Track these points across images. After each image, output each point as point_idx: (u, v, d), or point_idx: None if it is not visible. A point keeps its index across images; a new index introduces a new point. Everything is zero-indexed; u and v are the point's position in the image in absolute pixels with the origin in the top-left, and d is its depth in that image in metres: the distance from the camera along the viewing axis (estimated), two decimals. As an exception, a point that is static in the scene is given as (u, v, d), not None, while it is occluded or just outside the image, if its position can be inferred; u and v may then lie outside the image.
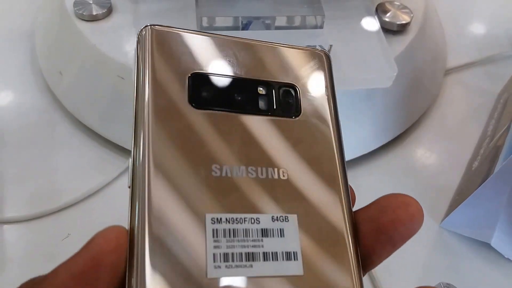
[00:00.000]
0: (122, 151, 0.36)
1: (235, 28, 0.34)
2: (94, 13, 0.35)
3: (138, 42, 0.16)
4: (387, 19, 0.36)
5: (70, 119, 0.37)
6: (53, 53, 0.38)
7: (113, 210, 0.32)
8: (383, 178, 0.36)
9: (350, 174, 0.37)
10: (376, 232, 0.16)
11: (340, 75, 0.32)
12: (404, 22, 0.36)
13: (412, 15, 0.36)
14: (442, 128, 0.39)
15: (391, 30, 0.36)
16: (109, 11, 0.36)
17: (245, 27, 0.34)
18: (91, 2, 0.35)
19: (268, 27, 0.35)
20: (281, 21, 0.34)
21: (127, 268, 0.13)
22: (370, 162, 0.36)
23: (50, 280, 0.13)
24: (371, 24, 0.35)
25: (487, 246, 0.32)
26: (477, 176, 0.33)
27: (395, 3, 0.37)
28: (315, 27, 0.34)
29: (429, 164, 0.37)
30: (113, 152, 0.36)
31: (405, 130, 0.38)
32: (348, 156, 0.35)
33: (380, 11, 0.36)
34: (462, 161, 0.37)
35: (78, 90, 0.36)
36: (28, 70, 0.40)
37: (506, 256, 0.32)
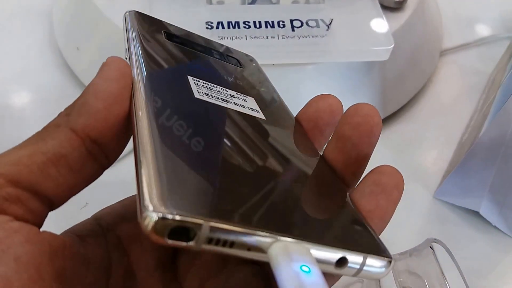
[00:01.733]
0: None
1: (242, 2, 0.36)
2: (110, -10, 0.37)
3: (125, 20, 0.22)
4: (385, -3, 0.38)
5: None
6: (70, 29, 0.41)
7: (129, 179, 0.34)
8: (381, 151, 0.38)
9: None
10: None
11: (341, 48, 0.34)
12: None
13: (409, -6, 0.39)
14: (437, 106, 0.42)
15: (389, 7, 0.38)
16: (123, -11, 0.38)
17: (252, 1, 0.37)
18: (107, -20, 0.38)
19: (273, 1, 0.37)
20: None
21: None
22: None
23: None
24: (370, 0, 0.37)
25: (476, 214, 0.34)
26: (465, 146, 0.35)
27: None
28: (317, 2, 0.36)
29: (424, 138, 0.39)
30: (127, 123, 0.38)
31: (402, 106, 0.40)
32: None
33: (378, -11, 0.38)
34: (456, 136, 0.40)
35: (95, 64, 0.38)
36: (46, 48, 0.43)
37: (493, 224, 0.34)
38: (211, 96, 0.19)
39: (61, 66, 0.41)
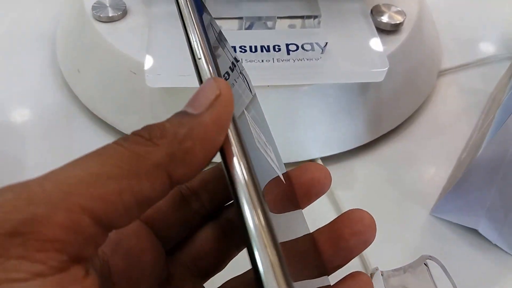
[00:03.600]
0: (134, 141, 0.38)
1: (239, 28, 0.37)
2: (111, 15, 0.38)
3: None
4: (381, 20, 0.38)
5: (86, 113, 0.40)
6: (72, 52, 0.41)
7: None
8: (378, 169, 0.38)
9: (346, 165, 0.39)
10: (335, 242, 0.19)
11: (335, 70, 0.34)
12: (397, 22, 0.38)
13: (405, 16, 0.39)
14: (435, 124, 0.42)
15: (385, 30, 0.38)
16: (124, 13, 0.39)
17: (249, 27, 0.37)
18: (108, 5, 0.39)
19: (270, 26, 0.37)
20: (282, 21, 0.37)
21: None
22: (366, 154, 0.39)
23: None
24: (365, 24, 0.37)
25: (475, 232, 0.34)
26: (464, 164, 0.35)
27: (389, 5, 0.39)
28: (313, 26, 0.37)
29: (422, 157, 0.39)
30: (125, 143, 0.39)
31: (399, 125, 0.40)
32: (344, 148, 0.38)
33: (375, 12, 0.39)
34: (455, 154, 0.39)
35: (95, 86, 0.39)
36: (49, 70, 0.44)
37: (494, 242, 0.34)
38: (261, 146, 0.18)
39: (63, 88, 0.42)
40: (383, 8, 0.39)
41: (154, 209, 0.18)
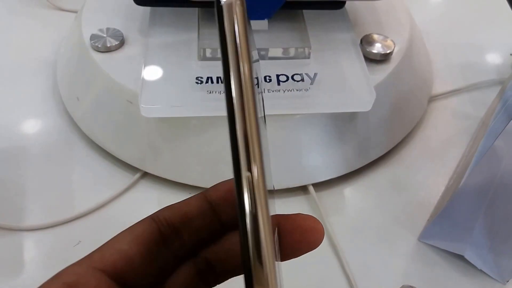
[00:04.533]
0: (130, 168, 0.40)
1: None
2: (108, 45, 0.40)
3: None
4: (370, 50, 0.39)
5: (85, 140, 0.41)
6: (71, 80, 0.43)
7: (121, 220, 0.36)
8: (368, 195, 0.39)
9: (337, 191, 0.40)
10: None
11: (323, 100, 0.35)
12: (386, 52, 0.39)
13: (394, 45, 0.40)
14: (426, 150, 0.42)
15: (374, 59, 0.40)
16: (121, 43, 0.40)
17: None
18: (105, 35, 0.40)
19: (262, 57, 0.38)
20: (273, 52, 0.38)
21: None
22: (356, 180, 0.40)
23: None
24: (354, 54, 0.38)
25: (462, 258, 0.35)
26: (451, 191, 0.36)
27: (379, 35, 0.41)
28: (303, 57, 0.38)
29: (411, 182, 0.40)
30: (121, 169, 0.40)
31: (389, 150, 0.41)
32: (334, 174, 0.39)
33: (364, 42, 0.40)
34: (444, 180, 0.40)
35: (93, 113, 0.41)
36: (50, 96, 0.45)
37: (479, 268, 0.35)
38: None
39: (63, 114, 0.43)
40: (373, 38, 0.40)
41: (124, 260, 0.17)
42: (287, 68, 0.37)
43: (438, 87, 0.48)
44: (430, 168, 0.41)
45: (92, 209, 0.37)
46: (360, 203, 0.38)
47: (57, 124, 0.43)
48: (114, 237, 0.18)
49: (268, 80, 0.36)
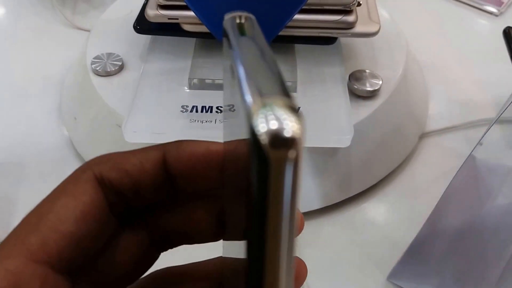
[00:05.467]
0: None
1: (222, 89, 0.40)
2: (108, 69, 0.42)
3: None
4: (358, 86, 0.40)
5: (79, 159, 0.44)
6: (72, 100, 0.45)
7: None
8: (345, 230, 0.39)
9: (313, 224, 0.40)
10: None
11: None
12: (373, 89, 0.40)
13: (381, 82, 0.40)
14: (410, 187, 0.42)
15: (361, 96, 0.40)
16: (120, 68, 0.42)
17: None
18: (106, 59, 0.42)
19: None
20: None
21: None
22: (334, 214, 0.40)
23: None
24: (340, 90, 0.39)
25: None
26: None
27: (369, 71, 0.41)
28: (290, 91, 0.39)
29: (390, 220, 0.40)
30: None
31: (373, 185, 0.41)
32: (312, 207, 0.39)
33: (352, 78, 0.41)
34: (424, 219, 0.40)
35: (87, 134, 0.43)
36: (54, 114, 0.48)
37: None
38: None
39: (63, 133, 0.46)
40: (362, 74, 0.41)
41: (72, 245, 0.14)
42: (272, 100, 0.38)
43: (433, 124, 0.48)
44: (412, 206, 0.41)
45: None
46: (336, 238, 0.39)
47: (55, 141, 0.45)
48: (53, 210, 0.15)
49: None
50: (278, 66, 0.12)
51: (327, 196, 0.39)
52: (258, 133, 0.10)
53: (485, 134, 0.42)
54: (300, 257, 0.36)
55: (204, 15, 0.36)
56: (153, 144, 0.17)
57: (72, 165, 0.42)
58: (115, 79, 0.42)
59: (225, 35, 0.14)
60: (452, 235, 0.34)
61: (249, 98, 0.11)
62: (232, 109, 0.14)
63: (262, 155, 0.10)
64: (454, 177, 0.37)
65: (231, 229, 0.16)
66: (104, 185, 0.16)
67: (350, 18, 0.39)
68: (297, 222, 0.11)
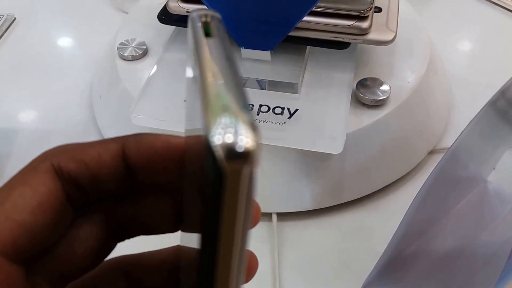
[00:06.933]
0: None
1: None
2: (131, 54, 0.45)
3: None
4: (363, 94, 0.40)
5: (100, 135, 0.47)
6: (100, 79, 0.49)
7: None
8: (329, 235, 0.39)
9: (299, 225, 0.41)
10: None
11: (295, 136, 0.37)
12: (378, 98, 0.40)
13: (389, 93, 0.40)
14: (406, 201, 0.42)
15: (366, 104, 0.40)
16: (144, 54, 0.45)
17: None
18: (131, 45, 0.45)
19: (258, 86, 0.41)
20: (267, 83, 0.41)
21: None
22: (323, 218, 0.40)
23: None
24: (343, 96, 0.39)
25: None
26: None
27: (378, 79, 0.41)
28: (292, 92, 0.40)
29: (379, 232, 0.40)
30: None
31: (368, 195, 0.41)
32: (299, 208, 0.40)
33: (360, 85, 0.41)
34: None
35: (107, 112, 0.46)
36: (88, 90, 0.52)
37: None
38: None
39: (92, 107, 0.50)
40: (371, 82, 0.41)
41: (28, 235, 0.15)
42: (273, 99, 0.39)
43: (449, 139, 0.46)
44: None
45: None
46: (319, 242, 0.39)
47: (84, 116, 0.49)
48: (9, 199, 0.15)
49: (250, 108, 0.38)
50: (240, 73, 0.13)
51: (315, 200, 0.40)
52: (213, 145, 0.10)
53: (499, 157, 0.41)
54: (280, 254, 0.37)
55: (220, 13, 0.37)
56: (152, 131, 0.17)
57: (93, 139, 0.47)
58: (137, 64, 0.45)
59: (191, 29, 0.15)
60: (441, 257, 0.33)
61: (208, 107, 0.11)
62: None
63: (217, 167, 0.10)
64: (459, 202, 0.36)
65: (189, 220, 0.17)
66: (62, 176, 0.16)
67: (363, 24, 0.39)
68: (252, 218, 0.12)
